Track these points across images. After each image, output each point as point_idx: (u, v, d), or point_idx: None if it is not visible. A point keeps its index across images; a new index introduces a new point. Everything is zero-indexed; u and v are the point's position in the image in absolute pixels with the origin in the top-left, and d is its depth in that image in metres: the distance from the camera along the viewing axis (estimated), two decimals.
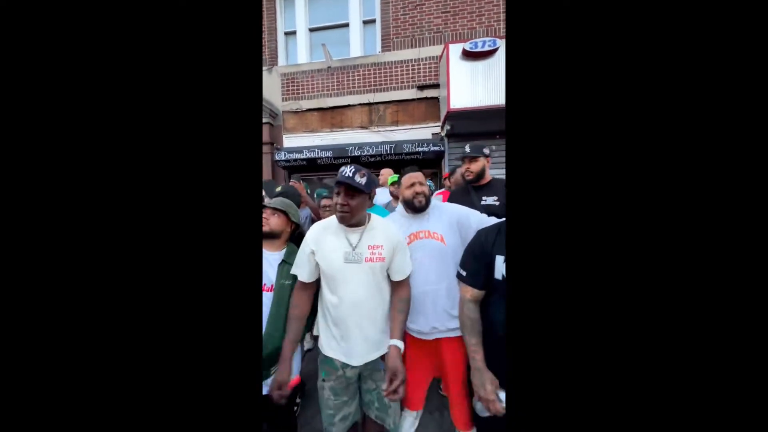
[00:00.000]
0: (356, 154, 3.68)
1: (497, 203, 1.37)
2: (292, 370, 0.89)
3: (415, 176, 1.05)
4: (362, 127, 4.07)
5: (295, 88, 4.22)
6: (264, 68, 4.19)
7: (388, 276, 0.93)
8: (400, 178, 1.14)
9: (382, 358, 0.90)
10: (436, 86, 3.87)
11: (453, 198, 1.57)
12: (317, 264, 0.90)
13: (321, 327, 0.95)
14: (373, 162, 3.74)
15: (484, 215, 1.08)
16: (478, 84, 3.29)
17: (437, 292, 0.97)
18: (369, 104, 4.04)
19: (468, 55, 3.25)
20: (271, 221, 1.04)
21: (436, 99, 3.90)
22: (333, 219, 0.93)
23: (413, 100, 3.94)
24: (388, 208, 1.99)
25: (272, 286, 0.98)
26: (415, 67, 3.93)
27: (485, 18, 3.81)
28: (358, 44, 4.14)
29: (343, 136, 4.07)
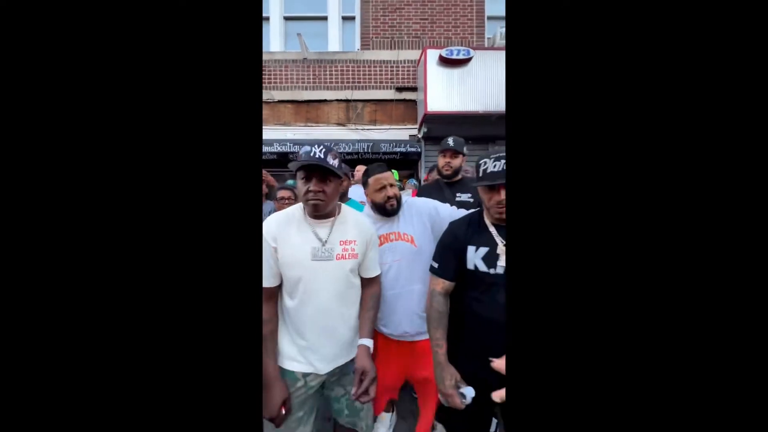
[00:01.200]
0: None
1: (471, 200, 1.39)
2: (276, 388, 0.74)
3: (385, 177, 0.95)
4: (339, 124, 3.96)
5: (267, 76, 3.95)
6: None
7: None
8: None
9: (351, 360, 0.82)
10: (414, 89, 3.94)
11: (423, 193, 1.57)
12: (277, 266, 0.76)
13: (280, 335, 0.80)
14: (350, 160, 3.65)
15: (454, 208, 1.06)
16: (453, 90, 3.43)
17: (409, 294, 0.93)
18: (347, 101, 3.95)
19: (444, 62, 3.38)
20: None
21: (413, 102, 3.97)
22: (295, 209, 0.81)
23: (391, 100, 3.96)
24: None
25: None
26: (394, 68, 3.97)
27: (460, 30, 4.02)
28: (336, 39, 4.04)
29: (319, 132, 3.91)
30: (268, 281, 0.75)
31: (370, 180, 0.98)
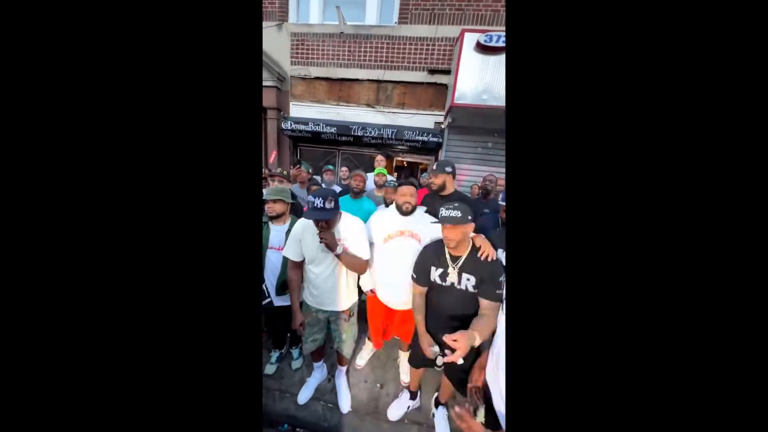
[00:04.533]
0: (359, 134, 3.84)
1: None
2: (297, 316, 1.38)
3: (407, 189, 1.43)
4: (368, 105, 4.12)
5: (305, 51, 4.10)
6: (273, 23, 4.00)
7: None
8: (403, 177, 1.53)
9: (343, 312, 1.37)
10: (447, 72, 3.82)
11: (424, 201, 1.93)
12: (302, 250, 1.30)
13: (304, 286, 1.40)
14: (374, 143, 3.93)
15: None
16: (484, 80, 3.31)
17: (407, 277, 1.37)
18: (378, 81, 4.02)
19: (481, 48, 3.20)
20: (275, 207, 1.51)
21: (444, 86, 3.89)
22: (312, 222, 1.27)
23: (422, 83, 3.93)
24: (371, 196, 2.33)
25: (281, 246, 1.46)
26: (430, 47, 3.81)
27: None
28: (374, 9, 3.90)
29: (348, 112, 4.15)
30: (294, 257, 1.32)
31: (399, 189, 1.49)
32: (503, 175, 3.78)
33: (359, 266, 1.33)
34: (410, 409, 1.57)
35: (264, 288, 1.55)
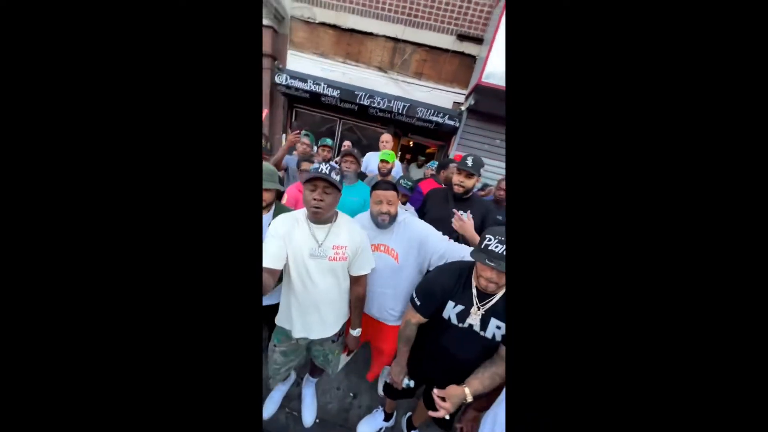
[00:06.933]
0: (365, 102, 3.30)
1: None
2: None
3: (385, 195, 1.09)
4: (380, 68, 3.51)
5: None
6: None
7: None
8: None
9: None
10: (479, 41, 3.21)
11: (431, 197, 1.61)
12: (285, 253, 0.90)
13: (283, 301, 1.02)
14: (381, 117, 3.43)
15: (444, 240, 1.15)
16: None
17: (383, 295, 1.20)
18: (395, 39, 3.36)
19: None
20: (265, 197, 1.15)
21: (473, 58, 3.30)
22: (301, 212, 0.96)
23: (447, 51, 3.32)
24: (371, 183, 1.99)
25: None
26: (463, 6, 3.13)
27: None
28: None
29: (356, 74, 3.54)
30: (270, 264, 0.85)
31: (372, 194, 1.13)
32: None
33: (364, 286, 1.07)
34: (383, 430, 1.45)
35: None
